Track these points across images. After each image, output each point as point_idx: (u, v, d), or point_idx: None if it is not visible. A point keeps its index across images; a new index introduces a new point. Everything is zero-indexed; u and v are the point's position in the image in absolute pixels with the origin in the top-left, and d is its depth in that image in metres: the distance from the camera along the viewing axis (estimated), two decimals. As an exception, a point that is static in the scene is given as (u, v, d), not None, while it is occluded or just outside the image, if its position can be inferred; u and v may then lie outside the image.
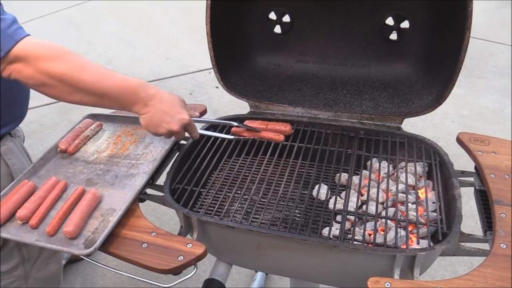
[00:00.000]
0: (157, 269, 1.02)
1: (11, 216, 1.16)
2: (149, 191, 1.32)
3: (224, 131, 1.52)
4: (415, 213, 1.19)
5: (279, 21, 1.68)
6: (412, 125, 3.33)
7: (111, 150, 1.45)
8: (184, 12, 5.93)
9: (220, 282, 1.26)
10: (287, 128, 1.48)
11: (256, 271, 2.20)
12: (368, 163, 1.41)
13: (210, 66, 1.58)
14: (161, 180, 1.34)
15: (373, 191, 1.28)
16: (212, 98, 3.94)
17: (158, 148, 1.43)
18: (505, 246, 1.01)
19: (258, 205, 1.27)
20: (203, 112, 1.59)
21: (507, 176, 1.22)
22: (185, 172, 1.36)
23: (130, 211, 1.17)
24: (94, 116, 1.60)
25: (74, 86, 1.11)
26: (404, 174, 1.33)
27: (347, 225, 1.24)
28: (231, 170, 1.42)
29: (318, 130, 1.52)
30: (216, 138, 1.48)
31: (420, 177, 1.35)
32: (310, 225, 1.18)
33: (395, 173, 1.36)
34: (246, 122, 1.50)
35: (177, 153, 1.46)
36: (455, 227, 1.08)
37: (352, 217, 1.23)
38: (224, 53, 1.59)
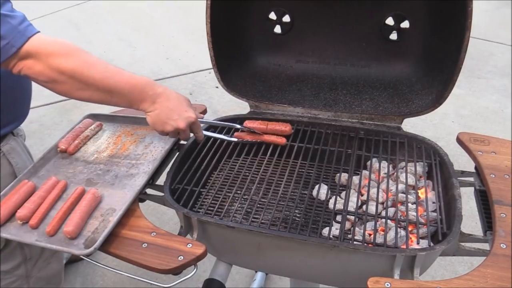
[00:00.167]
0: (157, 269, 1.02)
1: (11, 216, 1.16)
2: (149, 191, 1.32)
3: (224, 131, 1.52)
4: (415, 213, 1.19)
5: (279, 21, 1.68)
6: (412, 125, 3.33)
7: (111, 150, 1.45)
8: (184, 12, 5.93)
9: (220, 282, 1.26)
10: (287, 128, 1.48)
11: (256, 271, 2.20)
12: (368, 163, 1.40)
13: (210, 66, 1.58)
14: (161, 180, 1.34)
15: (373, 191, 1.28)
16: (212, 98, 3.94)
17: (158, 148, 1.43)
18: (505, 246, 1.01)
19: (258, 205, 1.27)
20: (203, 112, 1.59)
21: (507, 176, 1.22)
22: (185, 172, 1.36)
23: (130, 211, 1.17)
24: (94, 116, 1.60)
25: (84, 83, 1.12)
26: (404, 174, 1.33)
27: (347, 225, 1.24)
28: (231, 170, 1.42)
29: (318, 130, 1.52)
30: (216, 138, 1.48)
31: (420, 177, 1.35)
32: (310, 225, 1.18)
33: (395, 173, 1.36)
34: (246, 122, 1.50)
35: (177, 153, 1.46)
36: (455, 227, 1.08)
37: (352, 217, 1.23)
38: (224, 53, 1.59)
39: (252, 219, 1.21)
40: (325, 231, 1.21)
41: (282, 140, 1.46)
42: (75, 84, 1.12)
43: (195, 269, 1.05)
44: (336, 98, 1.63)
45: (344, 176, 1.40)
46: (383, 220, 1.20)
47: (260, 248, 1.18)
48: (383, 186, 1.33)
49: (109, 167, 1.36)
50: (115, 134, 1.53)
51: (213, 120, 1.53)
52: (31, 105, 1.54)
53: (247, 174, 1.38)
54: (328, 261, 1.13)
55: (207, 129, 1.51)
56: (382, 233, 1.18)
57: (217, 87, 4.02)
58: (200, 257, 1.04)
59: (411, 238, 1.17)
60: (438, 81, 1.46)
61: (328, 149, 1.45)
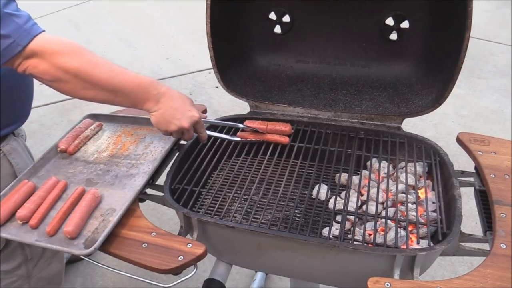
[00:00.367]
0: (157, 269, 1.02)
1: (11, 216, 1.16)
2: (149, 191, 1.32)
3: (224, 131, 1.52)
4: (415, 213, 1.19)
5: (279, 21, 1.68)
6: (412, 125, 3.33)
7: (111, 150, 1.45)
8: (184, 12, 5.93)
9: (220, 282, 1.26)
10: (287, 128, 1.48)
11: (256, 271, 2.20)
12: (368, 163, 1.40)
13: (210, 66, 1.58)
14: (161, 180, 1.34)
15: (373, 191, 1.28)
16: (212, 98, 3.94)
17: (158, 148, 1.43)
18: (505, 246, 1.01)
19: (258, 205, 1.27)
20: (203, 112, 1.59)
21: (507, 176, 1.22)
22: (185, 172, 1.36)
23: (130, 211, 1.17)
24: (94, 116, 1.60)
25: (88, 82, 1.12)
26: (404, 174, 1.33)
27: (347, 225, 1.24)
28: (231, 170, 1.42)
29: (318, 130, 1.52)
30: (216, 138, 1.48)
31: (420, 177, 1.35)
32: (310, 225, 1.18)
33: (395, 173, 1.36)
34: (246, 122, 1.50)
35: (177, 153, 1.46)
36: (455, 227, 1.08)
37: (352, 217, 1.23)
38: (224, 53, 1.59)
39: (252, 219, 1.21)
40: (325, 231, 1.21)
41: (285, 139, 1.46)
42: (80, 83, 1.12)
43: (195, 269, 1.05)
44: (336, 98, 1.63)
45: (344, 176, 1.40)
46: (383, 220, 1.20)
47: (260, 248, 1.18)
48: (383, 186, 1.33)
49: (109, 167, 1.36)
50: (115, 134, 1.53)
51: (215, 120, 1.53)
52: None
53: (247, 174, 1.38)
54: (328, 261, 1.13)
55: (208, 129, 1.51)
56: (382, 233, 1.18)
57: (217, 87, 4.02)
58: (200, 257, 1.04)
59: (411, 238, 1.17)
60: (438, 81, 1.46)
61: (328, 149, 1.45)
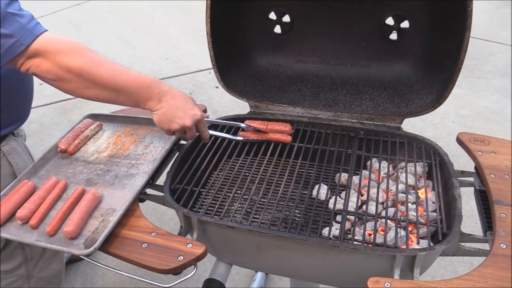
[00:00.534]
0: (157, 269, 1.02)
1: (11, 216, 1.16)
2: (149, 191, 1.32)
3: (225, 130, 1.52)
4: (415, 213, 1.19)
5: (279, 21, 1.68)
6: (412, 125, 3.33)
7: (111, 150, 1.44)
8: (184, 12, 5.93)
9: (220, 282, 1.26)
10: (287, 128, 1.48)
11: (256, 271, 2.20)
12: (368, 163, 1.40)
13: (210, 66, 1.58)
14: (161, 180, 1.34)
15: (373, 191, 1.28)
16: (212, 98, 3.94)
17: (158, 148, 1.43)
18: (505, 246, 1.01)
19: (258, 205, 1.27)
20: (204, 112, 1.59)
21: (507, 176, 1.22)
22: (185, 172, 1.36)
23: (130, 211, 1.17)
24: (94, 116, 1.60)
25: (91, 81, 1.12)
26: (404, 174, 1.33)
27: (347, 225, 1.24)
28: (231, 170, 1.42)
29: (318, 130, 1.52)
30: (216, 138, 1.48)
31: (420, 177, 1.35)
32: (310, 225, 1.18)
33: (395, 173, 1.36)
34: (246, 122, 1.50)
35: (177, 153, 1.46)
36: (455, 227, 1.08)
37: (352, 217, 1.23)
38: (224, 53, 1.59)
39: (252, 219, 1.21)
40: (325, 231, 1.21)
41: (287, 138, 1.46)
42: (82, 83, 1.12)
43: (195, 269, 1.05)
44: (336, 98, 1.63)
45: (344, 176, 1.40)
46: (383, 220, 1.20)
47: (260, 248, 1.18)
48: (383, 186, 1.33)
49: (109, 167, 1.36)
50: (115, 134, 1.53)
51: (217, 119, 1.53)
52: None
53: (247, 174, 1.38)
54: (328, 261, 1.13)
55: (209, 128, 1.51)
56: (382, 233, 1.18)
57: (217, 87, 4.01)
58: (200, 257, 1.04)
59: (411, 238, 1.17)
60: (438, 81, 1.46)
61: (328, 149, 1.45)
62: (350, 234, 1.21)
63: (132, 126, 1.56)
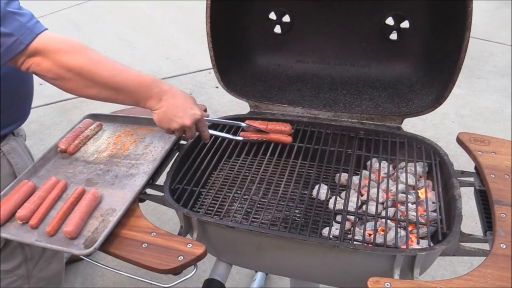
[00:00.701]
0: (157, 269, 1.02)
1: (11, 216, 1.16)
2: (149, 191, 1.32)
3: (225, 130, 1.52)
4: (415, 213, 1.19)
5: (279, 21, 1.68)
6: (412, 125, 3.33)
7: (111, 150, 1.44)
8: (184, 12, 5.93)
9: (220, 282, 1.26)
10: (287, 128, 1.48)
11: (256, 271, 2.20)
12: (368, 163, 1.40)
13: (210, 66, 1.58)
14: (161, 180, 1.34)
15: (373, 191, 1.28)
16: (212, 98, 3.94)
17: (158, 148, 1.43)
18: (505, 246, 1.01)
19: (258, 205, 1.27)
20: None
21: (507, 176, 1.22)
22: (185, 172, 1.36)
23: (130, 211, 1.17)
24: (94, 116, 1.60)
25: (91, 80, 1.12)
26: (404, 174, 1.33)
27: (347, 225, 1.24)
28: (231, 170, 1.42)
29: (318, 130, 1.52)
30: (216, 138, 1.48)
31: (420, 177, 1.35)
32: (310, 225, 1.18)
33: (395, 173, 1.36)
34: (246, 122, 1.50)
35: (177, 153, 1.46)
36: (455, 227, 1.08)
37: (352, 217, 1.23)
38: (224, 53, 1.59)
39: (252, 219, 1.21)
40: (325, 231, 1.21)
41: (288, 138, 1.46)
42: (83, 81, 1.12)
43: (195, 269, 1.05)
44: (336, 98, 1.63)
45: (344, 176, 1.40)
46: (383, 220, 1.20)
47: (260, 248, 1.18)
48: (383, 186, 1.33)
49: (109, 167, 1.36)
50: (115, 134, 1.53)
51: (218, 119, 1.53)
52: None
53: (247, 174, 1.38)
54: (328, 261, 1.13)
55: (209, 128, 1.50)
56: (382, 233, 1.18)
57: (217, 87, 4.01)
58: (200, 257, 1.04)
59: (411, 238, 1.17)
60: (438, 81, 1.46)
61: (328, 149, 1.45)
62: (350, 234, 1.21)
63: (132, 126, 1.56)
